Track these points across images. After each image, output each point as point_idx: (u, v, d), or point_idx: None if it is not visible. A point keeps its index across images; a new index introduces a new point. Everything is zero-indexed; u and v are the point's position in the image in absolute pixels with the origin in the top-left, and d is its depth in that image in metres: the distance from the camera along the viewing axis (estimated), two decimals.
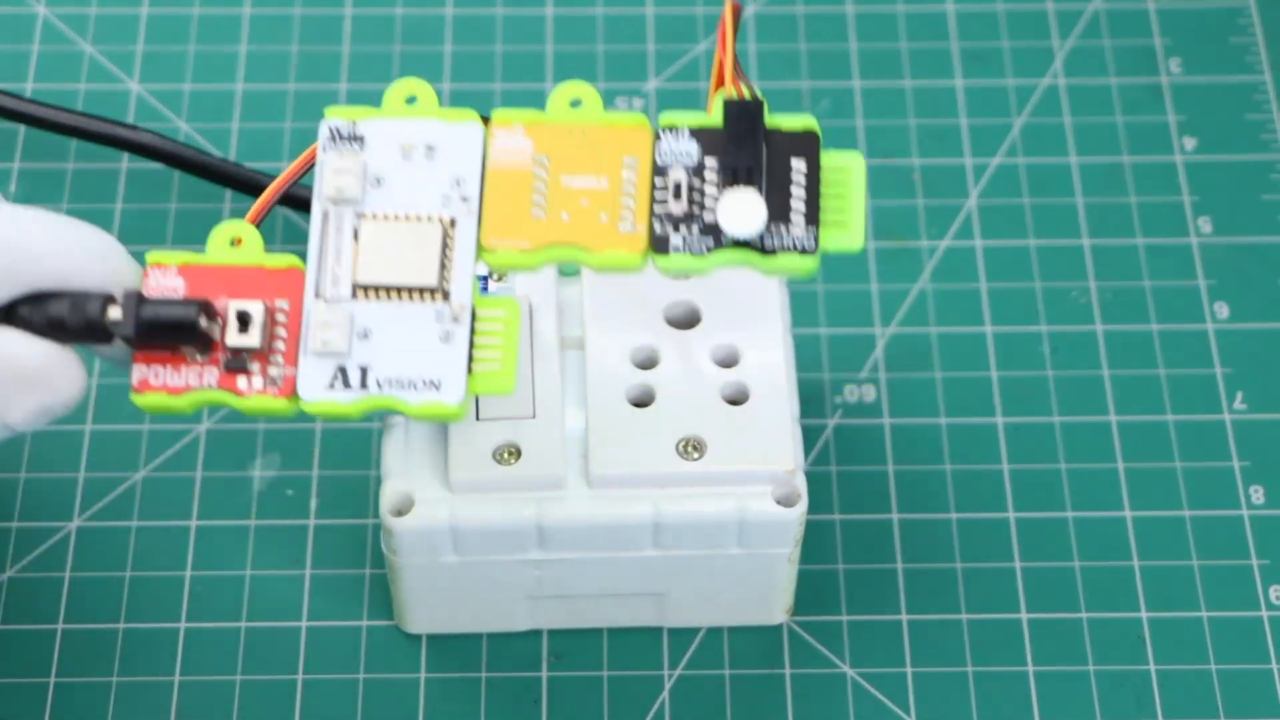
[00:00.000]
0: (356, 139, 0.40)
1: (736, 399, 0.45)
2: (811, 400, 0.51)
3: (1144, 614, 0.48)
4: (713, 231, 0.39)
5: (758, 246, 0.39)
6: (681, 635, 0.48)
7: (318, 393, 0.39)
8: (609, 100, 0.57)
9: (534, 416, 0.44)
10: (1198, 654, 0.47)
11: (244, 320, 0.39)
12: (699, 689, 0.47)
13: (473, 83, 0.57)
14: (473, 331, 0.39)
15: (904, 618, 0.48)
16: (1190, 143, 0.56)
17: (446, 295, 0.39)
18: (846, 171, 0.39)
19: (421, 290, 0.39)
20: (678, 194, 0.39)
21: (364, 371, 0.39)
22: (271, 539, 0.49)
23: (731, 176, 0.39)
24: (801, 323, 0.53)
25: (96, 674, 0.47)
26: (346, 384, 0.39)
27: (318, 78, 0.57)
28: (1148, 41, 0.58)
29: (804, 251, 0.39)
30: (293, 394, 0.39)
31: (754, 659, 0.47)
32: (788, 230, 0.39)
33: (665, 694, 0.47)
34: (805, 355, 0.52)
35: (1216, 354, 0.52)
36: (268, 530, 0.49)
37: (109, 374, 0.52)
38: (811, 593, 0.48)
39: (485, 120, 0.41)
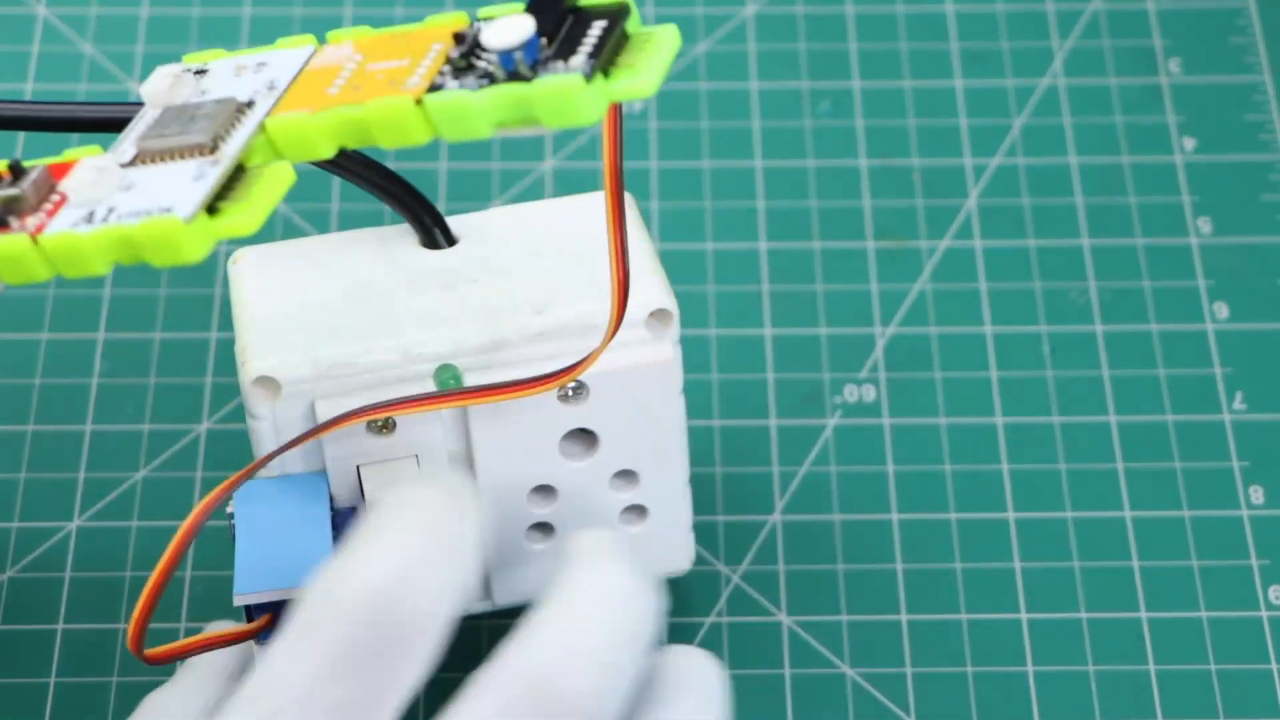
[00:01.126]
0: (201, 72, 0.40)
1: (636, 518, 0.45)
2: (811, 400, 0.51)
3: (1143, 614, 0.48)
4: (489, 75, 0.38)
5: (528, 75, 0.37)
6: (680, 634, 0.48)
7: (58, 229, 0.37)
8: None
9: None
10: (1197, 654, 0.47)
11: (16, 172, 0.38)
12: None
13: None
14: (234, 180, 0.38)
15: (904, 618, 0.48)
16: (1190, 143, 0.56)
17: (215, 149, 0.38)
18: (656, 35, 0.38)
19: (194, 148, 0.38)
20: (463, 51, 0.38)
21: (110, 210, 0.37)
22: None
23: None
24: (801, 323, 0.53)
25: (96, 674, 0.47)
26: (89, 221, 0.37)
27: None
28: (1147, 42, 0.58)
29: (577, 74, 0.36)
30: (36, 235, 0.37)
31: (753, 659, 0.47)
32: (566, 64, 0.37)
33: None
34: (805, 355, 0.52)
35: (1216, 354, 0.52)
36: None
37: (109, 374, 0.52)
38: (811, 593, 0.48)
39: None
